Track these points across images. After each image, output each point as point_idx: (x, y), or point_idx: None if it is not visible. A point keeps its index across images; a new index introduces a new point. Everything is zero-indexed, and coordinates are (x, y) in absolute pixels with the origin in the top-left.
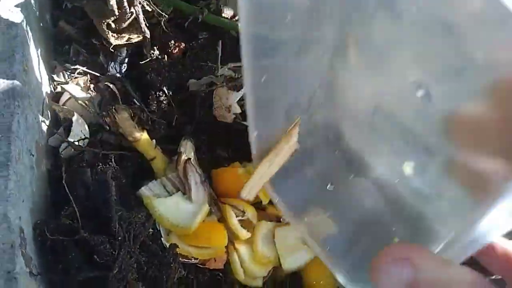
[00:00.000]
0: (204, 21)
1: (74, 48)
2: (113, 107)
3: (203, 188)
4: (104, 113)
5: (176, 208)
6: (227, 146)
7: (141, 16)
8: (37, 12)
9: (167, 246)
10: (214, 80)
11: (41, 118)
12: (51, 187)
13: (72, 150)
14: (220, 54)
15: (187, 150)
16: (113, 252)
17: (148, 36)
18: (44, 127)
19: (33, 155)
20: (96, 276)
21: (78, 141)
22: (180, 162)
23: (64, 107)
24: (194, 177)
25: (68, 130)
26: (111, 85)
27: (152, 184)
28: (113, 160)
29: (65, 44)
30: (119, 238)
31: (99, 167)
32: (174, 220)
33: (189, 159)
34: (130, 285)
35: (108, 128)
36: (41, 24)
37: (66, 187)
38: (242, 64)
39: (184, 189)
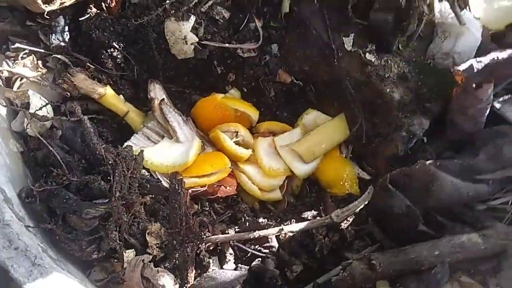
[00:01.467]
0: None
1: (12, 43)
2: (67, 72)
3: (187, 127)
4: (60, 80)
5: (167, 152)
6: (199, 88)
7: None
8: None
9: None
10: None
11: None
12: (29, 168)
13: (39, 123)
14: None
15: (157, 93)
16: (109, 186)
17: None
18: (3, 112)
19: None
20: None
21: (41, 108)
22: (155, 107)
23: (19, 91)
24: (175, 118)
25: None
26: (59, 57)
27: (134, 138)
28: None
29: (2, 43)
30: (110, 165)
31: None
32: (169, 163)
33: (163, 99)
34: (134, 207)
35: (69, 95)
36: None
37: (47, 144)
38: None
39: (169, 134)
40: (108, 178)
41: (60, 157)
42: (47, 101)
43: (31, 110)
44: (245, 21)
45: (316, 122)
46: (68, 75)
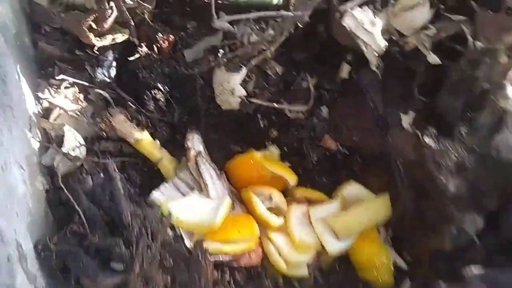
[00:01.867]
0: (193, 10)
1: (59, 67)
2: (107, 111)
3: (220, 182)
4: (98, 119)
5: (194, 207)
6: (239, 140)
7: (121, 5)
8: (16, 37)
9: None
10: (212, 40)
11: (29, 134)
12: (51, 207)
13: (69, 162)
14: (213, 4)
15: (195, 144)
16: (130, 253)
17: (132, 24)
18: (35, 145)
19: (23, 169)
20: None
21: (74, 149)
22: (190, 157)
23: (55, 123)
24: (208, 171)
25: (60, 146)
26: (102, 92)
27: (163, 187)
28: (116, 169)
29: (49, 66)
30: (135, 232)
31: (100, 173)
32: (196, 220)
33: (200, 152)
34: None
35: (105, 135)
36: (21, 47)
37: (65, 189)
38: None
39: (199, 187)
40: (130, 244)
41: (84, 214)
42: (81, 142)
43: (64, 147)
44: (298, 79)
45: (357, 196)
46: (108, 114)
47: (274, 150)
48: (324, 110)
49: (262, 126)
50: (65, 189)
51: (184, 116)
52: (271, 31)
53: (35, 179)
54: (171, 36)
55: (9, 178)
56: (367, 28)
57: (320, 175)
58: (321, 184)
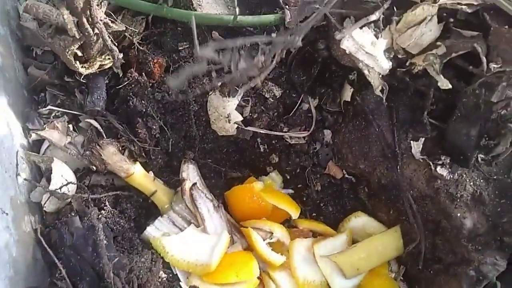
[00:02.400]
0: (185, 31)
1: (49, 93)
2: (97, 143)
3: (218, 216)
4: (87, 152)
5: (191, 244)
6: (237, 165)
7: (104, 32)
8: (3, 68)
9: None
10: (196, 69)
11: (15, 172)
12: (41, 248)
13: (57, 201)
14: (195, 32)
15: (191, 175)
16: None
17: (117, 53)
18: (22, 182)
19: (6, 213)
20: None
21: (61, 187)
22: (186, 190)
23: (44, 156)
24: (205, 204)
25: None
26: (92, 122)
27: (158, 222)
28: (107, 204)
29: (40, 92)
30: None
31: (88, 216)
32: (192, 259)
33: (195, 184)
34: None
35: (95, 169)
36: (10, 77)
37: (46, 245)
38: None
39: (196, 221)
40: None
41: (68, 266)
42: (68, 180)
43: (52, 185)
44: (298, 102)
45: (365, 229)
46: (97, 146)
47: (275, 177)
48: (327, 134)
49: (262, 150)
50: (43, 243)
51: (180, 142)
52: (261, 57)
53: (22, 221)
54: (162, 59)
55: None
56: (368, 50)
57: (325, 203)
58: (327, 212)
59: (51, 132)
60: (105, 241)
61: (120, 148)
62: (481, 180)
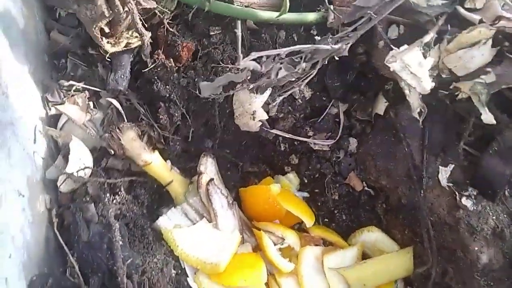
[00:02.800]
0: (214, 12)
1: (71, 62)
2: (117, 127)
3: (231, 213)
4: (106, 134)
5: (201, 240)
6: (255, 159)
7: (135, 14)
8: (24, 31)
9: None
10: (233, 78)
11: (33, 148)
12: (53, 229)
13: (73, 182)
14: (240, 40)
15: (208, 169)
16: None
17: (147, 39)
18: (39, 158)
19: (23, 195)
20: None
21: (78, 171)
22: (202, 184)
23: (62, 132)
24: (220, 200)
25: (67, 159)
26: (113, 101)
27: (171, 213)
28: (122, 189)
29: (61, 57)
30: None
31: (102, 202)
32: (201, 256)
33: (212, 179)
34: None
35: (113, 152)
36: (31, 38)
37: (59, 238)
38: None
39: (209, 216)
40: None
41: (80, 260)
42: (85, 164)
43: (68, 167)
44: (328, 107)
45: (377, 244)
46: (117, 130)
47: (293, 179)
48: (352, 143)
49: (282, 149)
50: (59, 238)
51: (200, 129)
52: (303, 64)
53: (37, 201)
54: (192, 44)
55: (4, 214)
56: (414, 71)
57: (339, 211)
58: (340, 220)
59: (71, 107)
60: (120, 242)
61: (140, 133)
62: (505, 215)
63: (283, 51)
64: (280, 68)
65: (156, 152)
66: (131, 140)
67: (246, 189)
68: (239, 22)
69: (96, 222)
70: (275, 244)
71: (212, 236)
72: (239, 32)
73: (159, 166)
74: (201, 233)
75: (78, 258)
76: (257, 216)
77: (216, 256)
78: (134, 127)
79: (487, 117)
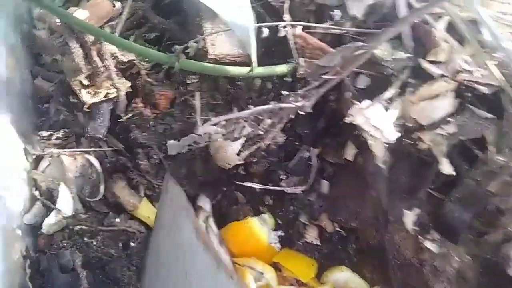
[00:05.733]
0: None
1: (54, 107)
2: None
3: (223, 250)
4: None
5: None
6: (231, 194)
7: (112, 70)
8: (14, 75)
9: None
10: (197, 139)
11: (5, 197)
12: (32, 275)
13: (53, 226)
14: (199, 108)
15: (206, 205)
16: None
17: (123, 93)
18: (16, 205)
19: None
20: None
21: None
22: (200, 217)
23: (49, 177)
24: (215, 237)
25: (47, 205)
26: (93, 160)
27: None
28: (101, 234)
29: (45, 102)
30: None
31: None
32: None
33: (208, 216)
34: None
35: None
36: (16, 88)
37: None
38: None
39: None
40: None
41: None
42: (68, 213)
43: (57, 206)
44: (300, 149)
45: (348, 284)
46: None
47: (267, 219)
48: (324, 186)
49: (257, 190)
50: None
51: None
52: (268, 121)
53: (12, 249)
54: (170, 92)
55: None
56: (376, 124)
57: (312, 250)
58: (313, 258)
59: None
60: None
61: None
62: (468, 258)
63: (245, 113)
64: (244, 126)
65: (144, 198)
66: (121, 188)
67: (228, 227)
68: (198, 93)
69: (72, 268)
70: (255, 280)
71: None
72: (198, 102)
73: (145, 210)
74: None
75: None
76: (238, 252)
77: None
78: (121, 177)
79: (445, 168)
